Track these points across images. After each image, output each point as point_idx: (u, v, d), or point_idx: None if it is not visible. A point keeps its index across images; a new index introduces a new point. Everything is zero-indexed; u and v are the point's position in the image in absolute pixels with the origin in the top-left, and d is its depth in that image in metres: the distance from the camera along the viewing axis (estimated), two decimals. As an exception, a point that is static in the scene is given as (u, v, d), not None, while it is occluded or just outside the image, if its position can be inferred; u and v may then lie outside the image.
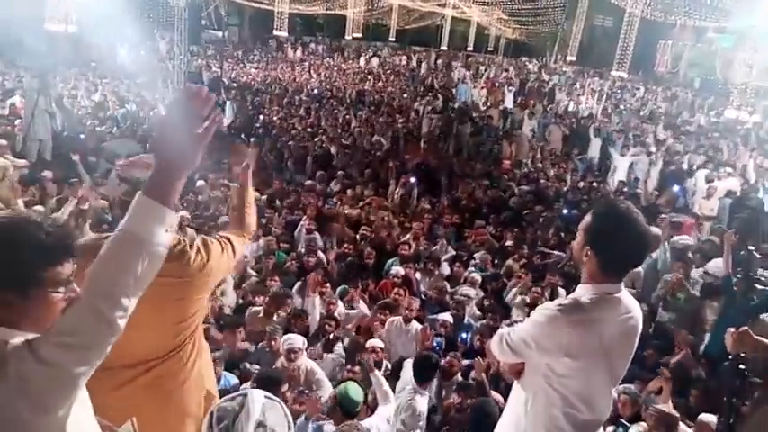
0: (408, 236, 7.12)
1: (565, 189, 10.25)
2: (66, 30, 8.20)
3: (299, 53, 27.98)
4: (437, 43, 32.41)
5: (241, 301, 5.44)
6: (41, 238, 1.26)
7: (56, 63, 11.55)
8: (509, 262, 6.78)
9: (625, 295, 1.98)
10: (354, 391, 3.51)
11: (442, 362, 4.34)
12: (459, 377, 4.51)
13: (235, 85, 17.83)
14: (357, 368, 4.42)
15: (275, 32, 24.22)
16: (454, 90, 19.28)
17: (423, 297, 5.91)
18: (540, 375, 2.00)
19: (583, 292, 1.97)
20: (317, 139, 11.72)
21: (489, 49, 35.04)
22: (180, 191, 1.33)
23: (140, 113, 12.23)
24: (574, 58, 25.67)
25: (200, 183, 8.03)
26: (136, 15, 14.12)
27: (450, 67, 26.17)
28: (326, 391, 4.15)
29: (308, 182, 9.11)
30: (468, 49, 32.70)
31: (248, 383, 3.85)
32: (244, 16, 31.17)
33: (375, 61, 26.61)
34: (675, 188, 9.48)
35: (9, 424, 1.18)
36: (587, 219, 1.98)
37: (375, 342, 4.62)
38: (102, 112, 11.71)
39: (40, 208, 6.11)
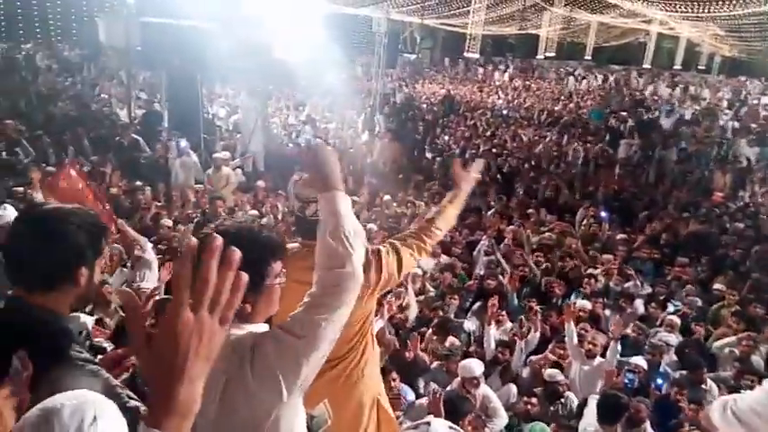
0: (598, 268, 6.64)
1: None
2: (290, 57, 9.29)
3: (494, 74, 27.91)
4: (639, 61, 30.11)
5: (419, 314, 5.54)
6: (269, 237, 1.49)
7: (275, 86, 13.13)
8: (717, 307, 5.94)
9: None
10: None
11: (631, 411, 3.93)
12: (648, 428, 4.06)
13: (424, 105, 18.44)
14: (534, 400, 4.23)
15: (466, 54, 24.62)
16: (657, 112, 17.64)
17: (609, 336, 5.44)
18: None
19: None
20: (500, 160, 11.57)
21: (700, 67, 31.58)
22: None
23: (341, 130, 13.25)
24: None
25: (386, 197, 8.42)
26: (341, 43, 15.36)
27: (654, 87, 24.08)
28: (502, 420, 4.03)
29: (491, 203, 9.02)
30: (675, 67, 29.84)
31: (424, 400, 3.89)
32: (436, 39, 32.27)
33: (571, 81, 25.58)
34: None
35: (253, 408, 1.36)
36: None
37: (554, 373, 4.37)
38: (307, 130, 12.93)
39: (254, 212, 6.93)
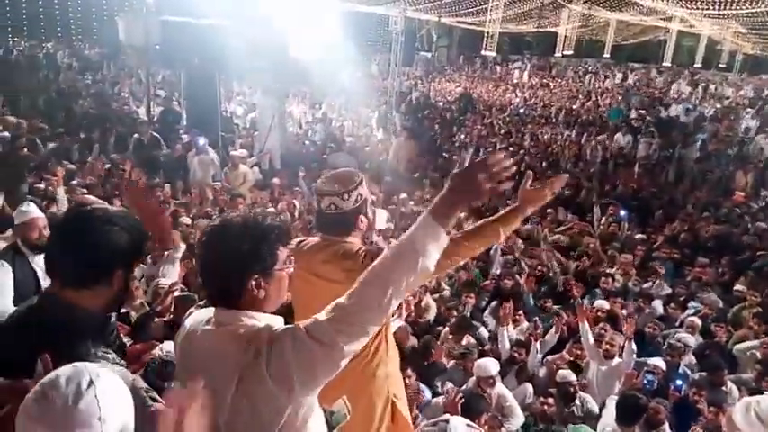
0: (615, 268, 6.57)
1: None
2: (306, 56, 9.34)
3: (515, 73, 27.68)
4: (658, 59, 29.71)
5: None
6: (274, 223, 1.48)
7: (290, 85, 13.19)
8: (738, 309, 5.85)
9: None
10: None
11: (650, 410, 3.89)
12: (667, 430, 4.02)
13: (441, 104, 18.40)
14: (550, 400, 4.20)
15: (483, 52, 24.51)
16: (677, 110, 17.39)
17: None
18: None
19: None
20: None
21: (721, 65, 31.05)
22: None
23: (355, 129, 13.28)
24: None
25: (403, 196, 8.42)
26: (357, 41, 15.37)
27: (673, 85, 23.75)
28: (518, 419, 4.01)
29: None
30: (696, 65, 29.38)
31: (441, 399, 3.89)
32: (453, 37, 32.14)
33: (589, 79, 25.34)
34: None
35: (268, 405, 1.35)
36: None
37: (566, 373, 4.34)
38: (323, 128, 12.98)
39: (271, 209, 6.98)
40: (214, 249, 1.44)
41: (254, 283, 1.43)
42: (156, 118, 10.54)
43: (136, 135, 8.86)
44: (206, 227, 1.51)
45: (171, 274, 4.67)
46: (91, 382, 1.14)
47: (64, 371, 1.16)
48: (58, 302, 1.50)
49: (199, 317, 1.56)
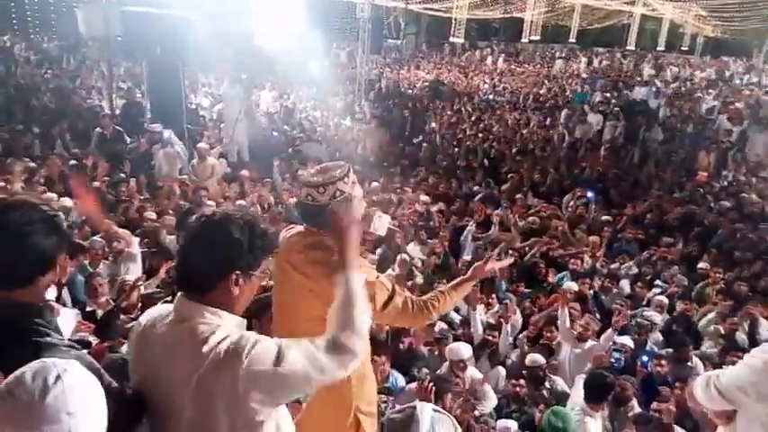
0: (583, 249, 6.69)
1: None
2: (272, 45, 9.17)
3: (488, 59, 27.73)
4: (622, 43, 30.16)
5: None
6: (269, 233, 1.51)
7: (257, 74, 12.97)
8: (702, 286, 6.02)
9: None
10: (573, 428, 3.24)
11: (617, 390, 3.99)
12: (635, 406, 4.13)
13: (410, 91, 18.36)
14: (522, 381, 4.27)
15: (451, 39, 24.50)
16: (642, 90, 17.67)
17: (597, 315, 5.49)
18: (759, 424, 1.74)
19: None
20: (485, 145, 11.56)
21: (683, 48, 31.67)
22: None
23: (325, 119, 13.16)
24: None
25: (374, 184, 8.40)
26: (324, 29, 15.20)
27: (637, 69, 24.14)
28: (491, 401, 4.06)
29: (477, 188, 9.03)
30: (659, 48, 29.92)
31: (413, 385, 3.91)
32: (421, 24, 32.02)
33: (559, 63, 25.54)
34: None
35: (228, 405, 1.34)
36: None
37: (536, 357, 4.42)
38: (292, 118, 12.83)
39: (241, 202, 6.88)
40: (209, 236, 1.43)
41: (234, 278, 1.43)
42: (118, 111, 10.27)
43: (98, 129, 8.61)
44: (203, 214, 1.50)
45: (134, 271, 4.58)
46: (58, 377, 1.11)
47: (30, 367, 1.13)
48: (7, 305, 1.45)
49: (156, 313, 1.54)
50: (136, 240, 4.95)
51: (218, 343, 1.36)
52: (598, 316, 5.39)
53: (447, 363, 4.24)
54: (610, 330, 4.68)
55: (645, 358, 4.57)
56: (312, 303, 1.96)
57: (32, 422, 1.07)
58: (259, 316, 2.62)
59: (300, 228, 2.18)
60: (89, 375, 1.21)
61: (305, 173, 2.15)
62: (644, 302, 5.84)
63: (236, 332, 1.41)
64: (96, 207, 4.87)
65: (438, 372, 4.20)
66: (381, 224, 2.34)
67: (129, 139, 8.66)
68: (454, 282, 2.40)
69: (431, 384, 3.33)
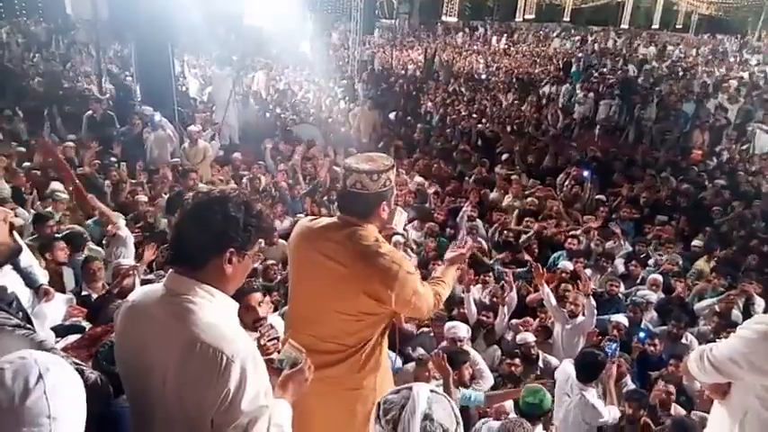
0: (579, 229, 6.68)
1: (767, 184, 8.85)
2: (262, 25, 9.02)
3: (466, 38, 27.57)
4: (617, 21, 29.98)
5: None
6: (262, 208, 1.51)
7: (246, 55, 12.79)
8: (699, 263, 6.04)
9: None
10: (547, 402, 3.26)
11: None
12: (629, 383, 4.16)
13: (403, 72, 18.20)
14: (517, 360, 4.28)
15: (444, 18, 24.25)
16: (636, 71, 17.60)
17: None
18: (752, 396, 1.75)
19: None
20: (480, 126, 11.49)
21: (678, 26, 31.53)
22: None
23: (318, 100, 13.03)
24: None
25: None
26: (315, 9, 15.00)
27: (632, 47, 24.02)
28: (487, 381, 4.07)
29: (472, 168, 8.98)
30: (654, 27, 29.77)
31: (410, 366, 3.93)
32: (414, 3, 31.68)
33: (556, 42, 25.38)
34: None
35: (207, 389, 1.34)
36: None
37: (527, 336, 4.45)
38: (285, 100, 12.70)
39: (232, 185, 6.82)
40: (205, 212, 1.43)
41: (228, 255, 1.43)
42: (108, 95, 10.13)
43: (88, 113, 8.50)
44: (199, 192, 1.50)
45: (126, 255, 4.54)
46: (39, 377, 1.07)
47: (10, 364, 1.09)
48: None
49: (145, 290, 1.55)
50: (122, 222, 4.90)
51: (181, 334, 1.35)
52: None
53: (444, 343, 4.24)
54: (585, 300, 4.64)
55: (642, 335, 4.59)
56: (346, 293, 2.01)
57: (12, 426, 1.04)
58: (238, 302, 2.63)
59: (327, 219, 2.17)
60: (70, 373, 1.17)
61: (351, 160, 2.08)
62: (638, 281, 5.86)
63: (232, 336, 1.39)
64: (71, 176, 5.07)
65: (433, 352, 4.21)
66: (400, 220, 2.37)
67: (118, 124, 8.56)
68: (438, 271, 2.41)
69: (443, 357, 3.38)
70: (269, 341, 2.36)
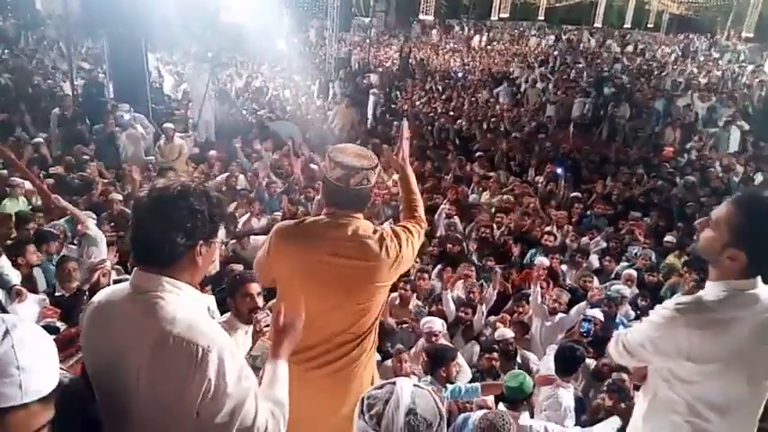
0: (554, 226, 6.77)
1: (737, 180, 9.09)
2: (239, 21, 8.93)
3: (442, 35, 27.66)
4: (590, 21, 30.42)
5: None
6: (219, 196, 1.52)
7: (222, 51, 12.64)
8: (670, 258, 6.16)
9: (764, 290, 1.67)
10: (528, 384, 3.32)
11: (595, 363, 4.08)
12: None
13: (380, 70, 18.19)
14: (495, 355, 4.33)
15: (421, 16, 24.30)
16: (609, 70, 17.88)
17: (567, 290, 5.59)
18: (660, 378, 1.81)
19: (711, 289, 1.71)
20: (457, 123, 11.56)
21: (649, 25, 32.14)
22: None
23: (295, 98, 12.97)
24: (751, 35, 22.63)
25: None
26: (291, 5, 14.89)
27: (605, 46, 24.38)
28: (466, 376, 4.11)
29: (449, 166, 9.03)
30: (626, 26, 30.30)
31: (390, 362, 3.94)
32: (390, 1, 31.67)
33: (533, 41, 25.62)
34: None
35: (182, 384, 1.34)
36: (732, 211, 1.66)
37: (505, 332, 4.49)
38: (261, 97, 12.60)
39: (210, 183, 6.73)
40: (171, 208, 1.40)
41: (198, 248, 1.44)
42: (78, 92, 9.93)
43: (56, 110, 8.30)
44: (158, 186, 1.45)
45: (97, 255, 4.47)
46: (6, 332, 1.09)
47: None
48: None
49: (110, 290, 1.53)
50: (92, 222, 4.82)
51: (150, 329, 1.35)
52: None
53: (422, 340, 4.27)
54: (583, 303, 4.75)
55: (621, 328, 4.67)
56: (365, 285, 2.06)
57: None
58: (234, 294, 2.64)
59: (316, 218, 2.13)
60: (38, 330, 1.18)
61: (350, 160, 2.03)
62: (612, 276, 5.96)
63: (204, 328, 1.38)
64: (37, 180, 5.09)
65: (412, 348, 4.23)
66: None
67: (89, 121, 8.39)
68: (404, 200, 2.41)
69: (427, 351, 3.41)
70: (264, 327, 2.36)
